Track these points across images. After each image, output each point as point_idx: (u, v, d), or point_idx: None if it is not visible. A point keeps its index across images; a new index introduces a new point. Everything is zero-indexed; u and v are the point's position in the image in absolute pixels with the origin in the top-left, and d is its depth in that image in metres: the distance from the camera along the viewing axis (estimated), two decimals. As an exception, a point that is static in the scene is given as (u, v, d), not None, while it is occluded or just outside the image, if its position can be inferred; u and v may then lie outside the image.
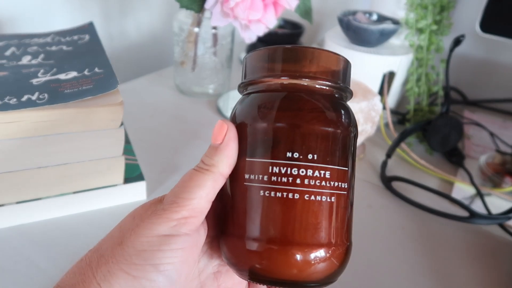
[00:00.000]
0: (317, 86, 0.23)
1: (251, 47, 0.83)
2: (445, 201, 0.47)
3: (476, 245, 0.42)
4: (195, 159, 0.47)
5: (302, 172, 0.21)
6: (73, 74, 0.39)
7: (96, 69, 0.40)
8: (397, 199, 0.47)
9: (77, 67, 0.41)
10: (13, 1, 0.65)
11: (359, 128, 0.52)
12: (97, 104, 0.36)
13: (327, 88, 0.23)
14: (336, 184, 0.22)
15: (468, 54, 0.78)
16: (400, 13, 0.60)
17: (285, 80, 0.23)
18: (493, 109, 0.73)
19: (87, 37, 0.49)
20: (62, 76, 0.39)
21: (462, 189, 0.51)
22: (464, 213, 0.44)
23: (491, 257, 0.41)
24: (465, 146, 0.60)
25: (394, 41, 0.62)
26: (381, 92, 0.60)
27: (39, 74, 0.39)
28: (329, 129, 0.22)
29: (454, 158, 0.56)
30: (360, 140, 0.54)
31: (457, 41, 0.51)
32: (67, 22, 0.74)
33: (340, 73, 0.23)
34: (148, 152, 0.51)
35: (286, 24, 0.85)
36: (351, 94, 0.25)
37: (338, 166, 0.22)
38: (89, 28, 0.51)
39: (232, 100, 0.66)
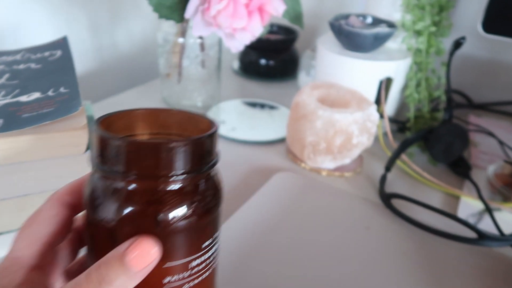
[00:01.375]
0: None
1: (243, 55, 0.80)
2: (451, 219, 0.43)
3: (486, 269, 0.38)
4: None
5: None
6: (35, 95, 0.36)
7: (62, 89, 0.37)
8: (398, 218, 0.43)
9: (42, 87, 0.37)
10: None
11: (355, 140, 0.48)
12: (57, 129, 0.32)
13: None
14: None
15: (471, 55, 0.73)
16: (396, 15, 0.56)
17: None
18: (500, 111, 0.69)
19: (58, 53, 0.45)
20: (23, 98, 0.36)
21: (469, 204, 0.46)
22: (472, 234, 0.40)
23: (503, 283, 0.37)
24: (471, 154, 0.56)
25: (391, 45, 0.58)
26: (378, 100, 0.56)
27: (-1, 97, 0.36)
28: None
29: (460, 169, 0.52)
30: (356, 152, 0.50)
31: (458, 44, 0.48)
32: (54, 36, 0.72)
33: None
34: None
35: (279, 29, 0.82)
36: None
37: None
38: (62, 43, 0.48)
39: (223, 112, 0.63)
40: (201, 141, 0.21)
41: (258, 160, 0.52)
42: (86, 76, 0.80)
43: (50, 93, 0.36)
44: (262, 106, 0.66)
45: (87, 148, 0.35)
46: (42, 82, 0.38)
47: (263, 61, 0.78)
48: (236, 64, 0.82)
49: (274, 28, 0.82)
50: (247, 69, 0.80)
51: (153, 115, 0.25)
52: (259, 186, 0.47)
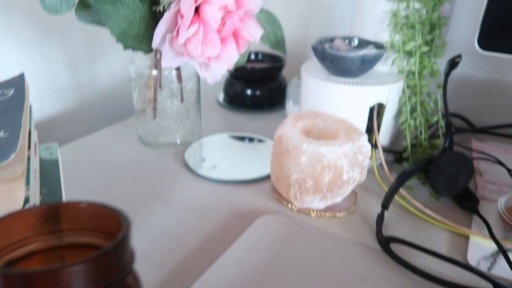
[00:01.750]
0: None
1: (228, 86, 0.75)
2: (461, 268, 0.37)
3: (508, 328, 0.32)
4: (149, 229, 0.37)
5: None
6: (-31, 142, 0.31)
7: (1, 134, 0.32)
8: (399, 266, 0.37)
9: (-21, 132, 0.33)
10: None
11: (345, 176, 0.43)
12: (-18, 183, 0.27)
13: None
14: None
15: (469, 76, 0.69)
16: (384, 36, 0.52)
17: None
18: (505, 135, 0.64)
19: (11, 91, 0.41)
20: (-47, 146, 0.31)
21: (480, 245, 0.40)
22: (486, 285, 0.34)
23: None
24: (477, 185, 0.51)
25: (381, 68, 0.53)
26: (370, 128, 0.51)
27: None
28: None
29: (466, 203, 0.46)
30: (348, 189, 0.44)
31: (453, 63, 0.43)
32: (27, 74, 0.68)
33: None
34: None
35: (265, 57, 0.78)
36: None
37: None
38: (18, 81, 0.43)
39: (205, 149, 0.58)
40: (102, 257, 0.16)
41: (239, 202, 0.47)
42: (63, 115, 0.76)
43: (-14, 138, 0.31)
44: (251, 139, 0.61)
45: (25, 202, 0.30)
46: (-20, 126, 0.34)
47: (249, 92, 0.73)
48: (221, 96, 0.78)
49: (260, 57, 0.79)
50: (232, 101, 0.75)
51: (53, 213, 0.20)
52: (240, 232, 0.41)
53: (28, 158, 0.36)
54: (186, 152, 0.56)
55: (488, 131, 0.64)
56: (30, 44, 0.67)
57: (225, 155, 0.56)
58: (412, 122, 0.51)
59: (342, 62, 0.47)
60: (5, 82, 0.43)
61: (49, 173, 0.47)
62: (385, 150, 0.53)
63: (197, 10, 0.43)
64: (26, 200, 0.30)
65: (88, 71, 0.79)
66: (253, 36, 0.47)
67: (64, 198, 0.44)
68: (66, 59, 0.74)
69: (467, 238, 0.42)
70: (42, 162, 0.48)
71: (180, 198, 0.47)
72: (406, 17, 0.49)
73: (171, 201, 0.46)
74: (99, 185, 0.49)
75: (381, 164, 0.50)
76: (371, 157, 0.52)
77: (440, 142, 0.52)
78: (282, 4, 0.82)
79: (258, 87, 0.73)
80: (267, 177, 0.51)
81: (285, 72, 0.77)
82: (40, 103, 0.71)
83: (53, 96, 0.74)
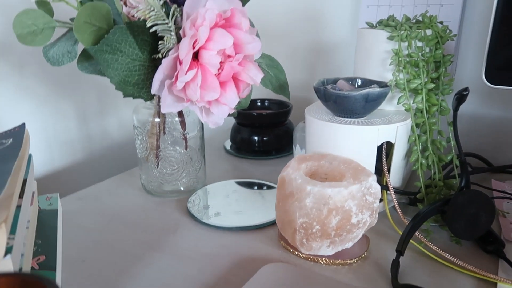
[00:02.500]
0: None
1: (235, 133, 0.75)
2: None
3: None
4: (146, 280, 0.35)
5: None
6: (-44, 190, 0.30)
7: (-10, 181, 0.31)
8: (418, 318, 0.33)
9: (-31, 180, 0.32)
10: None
11: (354, 219, 0.40)
12: (-39, 231, 0.26)
13: None
14: None
15: (484, 113, 0.67)
16: (388, 76, 0.51)
17: None
18: (527, 174, 0.60)
19: (10, 141, 0.41)
20: None
21: (510, 293, 0.36)
22: None
23: None
24: (501, 227, 0.47)
25: (388, 107, 0.52)
26: (380, 169, 0.48)
27: None
28: None
29: (490, 246, 0.42)
30: (358, 233, 0.41)
31: (461, 97, 0.41)
32: (38, 128, 0.69)
33: None
34: (91, 277, 0.40)
35: (271, 104, 0.78)
36: None
37: None
38: (18, 131, 0.43)
39: (210, 196, 0.56)
40: None
41: (243, 250, 0.44)
42: (72, 166, 0.76)
43: (-26, 186, 0.31)
44: (258, 185, 0.59)
45: (7, 252, 0.28)
46: (-28, 174, 0.33)
47: (256, 138, 0.73)
48: (228, 144, 0.77)
49: (266, 103, 0.79)
50: (240, 147, 0.74)
51: None
52: (243, 282, 0.38)
53: (19, 207, 0.34)
54: (190, 200, 0.54)
55: (507, 170, 0.61)
56: (42, 100, 0.69)
57: (230, 202, 0.54)
58: (424, 161, 0.49)
59: (346, 101, 0.46)
60: (6, 132, 0.43)
61: (48, 223, 0.45)
62: (397, 191, 0.50)
63: (196, 55, 0.44)
64: (9, 249, 0.28)
65: (98, 123, 0.80)
66: (253, 79, 0.46)
67: (59, 250, 0.42)
68: (76, 112, 0.76)
69: (494, 285, 0.37)
70: (41, 213, 0.47)
71: (181, 247, 0.45)
72: (409, 55, 0.48)
73: (171, 251, 0.44)
74: (101, 235, 0.48)
75: (394, 207, 0.47)
76: (382, 199, 0.49)
77: (456, 182, 0.49)
78: (287, 51, 0.83)
79: (265, 133, 0.72)
80: (273, 223, 0.48)
81: (292, 117, 0.76)
82: (50, 155, 0.72)
83: (63, 149, 0.74)
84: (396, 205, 0.46)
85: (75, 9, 0.44)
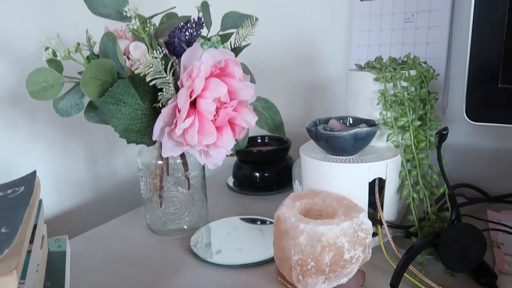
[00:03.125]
0: None
1: (237, 170, 0.77)
2: None
3: None
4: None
5: None
6: (-28, 238, 0.33)
7: (3, 230, 0.34)
8: None
9: (-16, 228, 0.35)
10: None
11: (347, 255, 0.42)
12: (-24, 279, 0.28)
13: None
14: None
15: (478, 143, 0.69)
16: (376, 114, 0.53)
17: None
18: (523, 203, 0.61)
19: (22, 189, 0.44)
20: (-42, 244, 0.33)
21: (501, 326, 0.37)
22: None
23: None
24: (495, 258, 0.48)
25: (379, 144, 0.54)
26: (374, 204, 0.50)
27: None
28: None
29: (484, 278, 0.43)
30: (353, 269, 0.43)
31: (441, 136, 0.43)
32: (49, 170, 0.73)
33: None
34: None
35: (271, 140, 0.81)
36: None
37: None
38: (29, 179, 0.47)
39: (212, 233, 0.58)
40: None
41: (243, 287, 0.46)
42: (81, 207, 0.79)
43: (-12, 235, 0.33)
44: (261, 221, 0.61)
45: (17, 297, 0.30)
46: (-13, 223, 0.36)
47: (257, 174, 0.75)
48: (230, 181, 0.79)
49: (266, 140, 0.81)
50: (242, 184, 0.77)
51: None
52: (241, 321, 0.40)
53: (29, 252, 0.37)
54: (192, 238, 0.56)
55: (504, 200, 0.62)
56: (52, 143, 0.73)
57: (231, 239, 0.56)
58: (415, 195, 0.50)
59: (336, 141, 0.49)
60: (18, 181, 0.47)
61: (56, 266, 0.47)
62: (392, 225, 0.51)
63: (193, 103, 0.47)
64: (19, 294, 0.30)
65: (106, 164, 0.83)
66: (248, 123, 0.49)
67: (66, 292, 0.44)
68: (85, 154, 0.79)
69: (486, 318, 0.38)
70: (50, 255, 0.49)
71: (184, 286, 0.46)
72: (395, 95, 0.51)
73: (173, 290, 0.46)
74: (105, 275, 0.50)
75: (389, 241, 0.49)
76: (377, 234, 0.50)
77: (449, 214, 0.51)
78: (286, 89, 0.87)
79: (266, 169, 0.75)
80: (272, 260, 0.50)
81: (291, 153, 0.79)
82: (60, 197, 0.75)
83: (72, 190, 0.77)
84: (390, 239, 0.48)
85: (83, 66, 0.48)
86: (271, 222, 0.60)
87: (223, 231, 0.58)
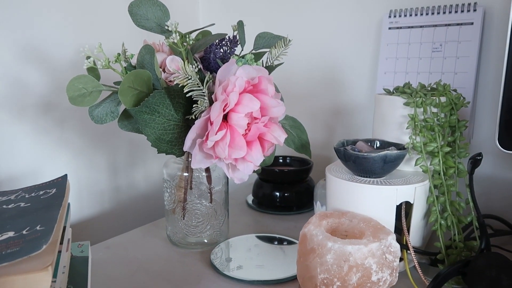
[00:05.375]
0: None
1: (257, 188, 0.77)
2: None
3: None
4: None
5: None
6: (9, 234, 0.34)
7: (38, 227, 0.34)
8: None
9: (19, 226, 0.35)
10: (18, 161, 0.65)
11: (374, 277, 0.41)
12: (14, 271, 0.29)
13: None
14: None
15: (504, 174, 0.68)
16: (405, 139, 0.53)
17: None
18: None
19: (53, 191, 0.45)
20: (-6, 238, 0.33)
21: None
22: None
23: None
24: (525, 292, 0.46)
25: (406, 168, 0.54)
26: (399, 229, 0.50)
27: (-29, 238, 0.34)
28: None
29: (513, 311, 0.42)
30: (379, 293, 0.42)
31: (475, 161, 0.43)
32: (72, 177, 0.74)
33: None
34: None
35: (293, 161, 0.81)
36: None
37: None
38: (60, 182, 0.47)
39: (232, 249, 0.58)
40: None
41: (264, 304, 0.45)
42: (100, 216, 0.79)
43: (24, 232, 0.34)
44: (279, 240, 0.60)
45: (50, 294, 0.30)
46: (21, 220, 0.36)
47: (277, 194, 0.75)
48: (250, 199, 0.79)
49: (288, 160, 0.82)
50: (261, 202, 0.77)
51: None
52: (263, 338, 0.39)
53: (59, 252, 0.37)
54: (213, 252, 0.56)
55: (531, 234, 0.61)
56: (77, 152, 0.74)
57: (252, 256, 0.55)
58: (443, 222, 0.50)
59: (365, 162, 0.49)
60: (49, 183, 0.47)
61: (78, 270, 0.47)
62: (418, 251, 0.50)
63: (225, 117, 0.48)
64: (52, 292, 0.31)
65: (126, 176, 0.84)
66: (278, 139, 0.50)
67: (89, 297, 0.44)
68: (107, 165, 0.80)
69: None
70: (72, 259, 0.50)
71: (203, 300, 0.46)
72: (425, 120, 0.51)
73: (194, 303, 0.45)
74: (126, 284, 0.49)
75: (414, 266, 0.48)
76: (403, 259, 0.49)
77: (477, 243, 0.50)
78: (308, 113, 0.88)
79: (287, 189, 0.75)
80: (294, 279, 0.49)
81: (312, 175, 0.79)
82: (80, 205, 0.76)
83: (92, 199, 0.78)
84: (417, 265, 0.47)
85: (120, 75, 0.50)
86: (291, 242, 0.60)
87: (243, 247, 0.58)
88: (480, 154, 0.44)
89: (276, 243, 0.60)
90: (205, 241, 0.59)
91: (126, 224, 0.84)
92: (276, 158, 0.81)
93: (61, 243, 0.40)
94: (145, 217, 0.88)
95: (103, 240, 0.64)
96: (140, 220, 0.86)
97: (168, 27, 0.47)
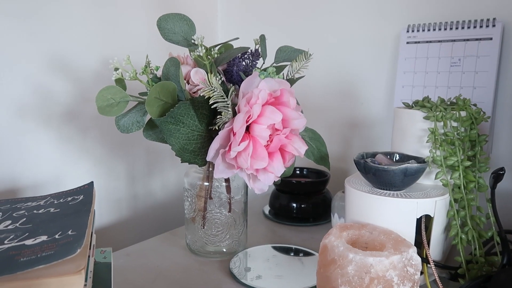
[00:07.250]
0: None
1: (274, 199, 0.78)
2: None
3: None
4: None
5: None
6: (42, 238, 0.35)
7: (69, 232, 0.36)
8: None
9: (51, 230, 0.36)
10: (43, 168, 0.67)
11: (395, 290, 0.41)
12: (49, 274, 0.30)
13: None
14: None
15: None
16: (424, 152, 0.54)
17: None
18: None
19: (81, 197, 0.46)
20: (29, 242, 0.34)
21: None
22: None
23: None
24: (548, 309, 0.46)
25: (426, 182, 0.54)
26: (419, 242, 0.50)
27: (6, 240, 0.35)
28: None
29: (537, 327, 0.42)
30: (400, 306, 0.42)
31: (497, 176, 0.43)
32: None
33: None
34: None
35: (310, 173, 0.82)
36: None
37: None
38: (87, 189, 0.49)
39: (250, 258, 0.58)
40: None
41: (284, 314, 0.45)
42: (118, 223, 0.81)
43: (57, 236, 0.35)
44: (296, 251, 0.61)
45: (82, 297, 0.31)
46: (53, 225, 0.38)
47: (294, 205, 0.75)
48: (267, 209, 0.80)
49: (305, 172, 0.82)
50: (278, 213, 0.77)
51: None
52: None
53: (89, 257, 0.38)
54: (232, 261, 0.56)
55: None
56: (98, 160, 0.76)
57: (270, 266, 0.56)
58: (463, 236, 0.50)
59: (385, 175, 0.49)
60: (77, 189, 0.49)
61: (101, 276, 0.48)
62: (438, 265, 0.50)
63: (248, 128, 0.49)
64: (84, 295, 0.32)
65: (144, 185, 0.86)
66: (298, 151, 0.51)
67: (112, 302, 0.45)
68: (126, 173, 0.82)
69: None
70: (96, 265, 0.51)
71: (224, 308, 0.46)
72: (445, 134, 0.52)
73: (214, 312, 0.46)
74: (145, 292, 0.50)
75: (435, 280, 0.48)
76: (423, 273, 0.49)
77: (498, 259, 0.49)
78: (325, 125, 0.89)
79: (304, 201, 0.75)
80: (313, 290, 0.50)
81: (329, 187, 0.79)
82: (99, 212, 0.77)
83: (111, 206, 0.79)
84: (437, 279, 0.47)
85: (146, 86, 0.51)
86: (308, 253, 0.60)
87: (262, 257, 0.58)
88: (502, 169, 0.44)
89: (292, 254, 0.60)
90: (224, 250, 0.59)
91: (143, 232, 0.85)
92: (293, 169, 0.82)
93: (90, 248, 0.41)
94: (162, 225, 0.89)
95: (121, 247, 0.65)
96: (157, 228, 0.87)
97: (194, 40, 0.49)
